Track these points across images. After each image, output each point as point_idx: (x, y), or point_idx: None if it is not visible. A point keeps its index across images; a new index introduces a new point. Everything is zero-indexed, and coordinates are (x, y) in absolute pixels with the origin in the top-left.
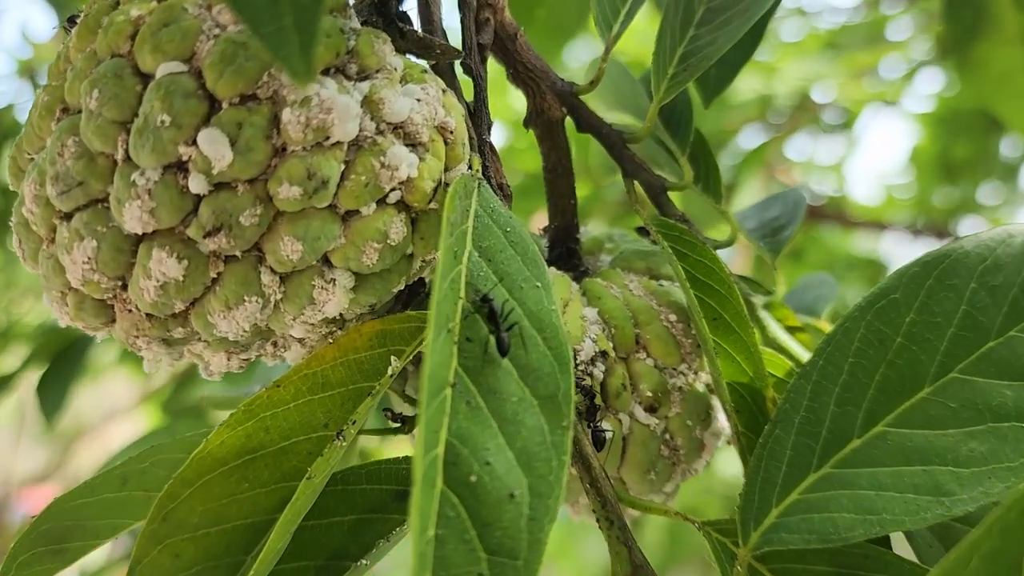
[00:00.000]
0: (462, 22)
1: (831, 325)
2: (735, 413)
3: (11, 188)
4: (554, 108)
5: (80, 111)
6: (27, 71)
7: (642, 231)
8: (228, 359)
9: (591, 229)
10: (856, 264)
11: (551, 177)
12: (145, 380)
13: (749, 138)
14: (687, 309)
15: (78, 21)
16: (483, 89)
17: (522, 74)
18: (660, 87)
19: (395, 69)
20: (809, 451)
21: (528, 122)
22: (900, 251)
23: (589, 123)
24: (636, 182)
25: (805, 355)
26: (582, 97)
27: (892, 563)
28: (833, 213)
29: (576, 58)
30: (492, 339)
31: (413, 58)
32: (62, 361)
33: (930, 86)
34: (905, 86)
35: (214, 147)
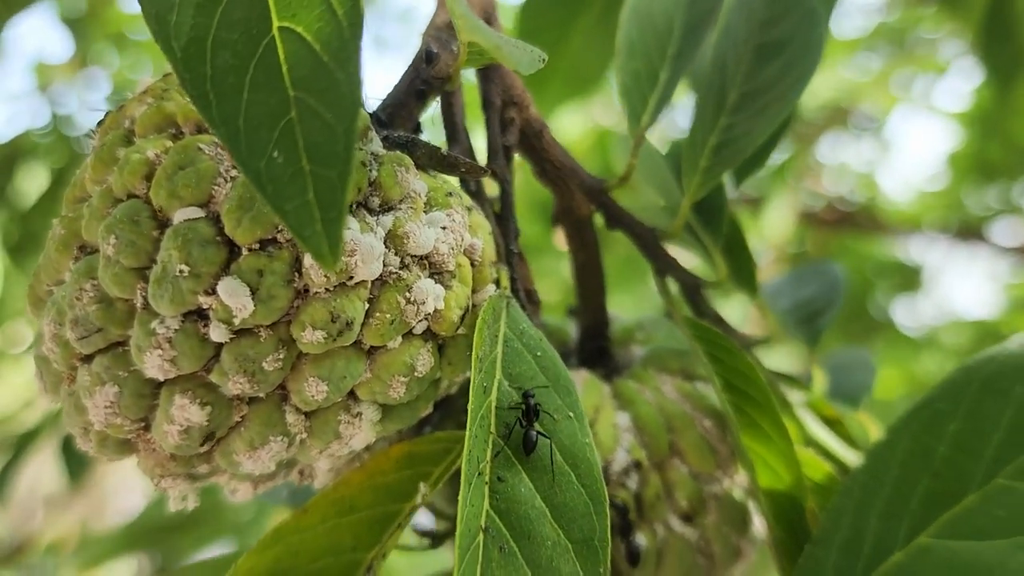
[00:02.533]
0: (487, 123)
1: (868, 417)
2: (774, 523)
3: (31, 316)
4: (583, 206)
5: (97, 251)
6: (43, 89)
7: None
8: (254, 488)
9: (619, 314)
10: (887, 269)
11: (581, 274)
12: None
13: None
14: (724, 415)
15: (95, 144)
16: (510, 195)
17: (550, 172)
18: (692, 182)
19: (419, 195)
20: (851, 566)
21: (557, 219)
22: (933, 255)
23: (620, 220)
24: (668, 280)
25: (845, 452)
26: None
27: None
28: (864, 219)
29: None
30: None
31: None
32: None
33: (963, 85)
34: (936, 86)
35: (234, 298)
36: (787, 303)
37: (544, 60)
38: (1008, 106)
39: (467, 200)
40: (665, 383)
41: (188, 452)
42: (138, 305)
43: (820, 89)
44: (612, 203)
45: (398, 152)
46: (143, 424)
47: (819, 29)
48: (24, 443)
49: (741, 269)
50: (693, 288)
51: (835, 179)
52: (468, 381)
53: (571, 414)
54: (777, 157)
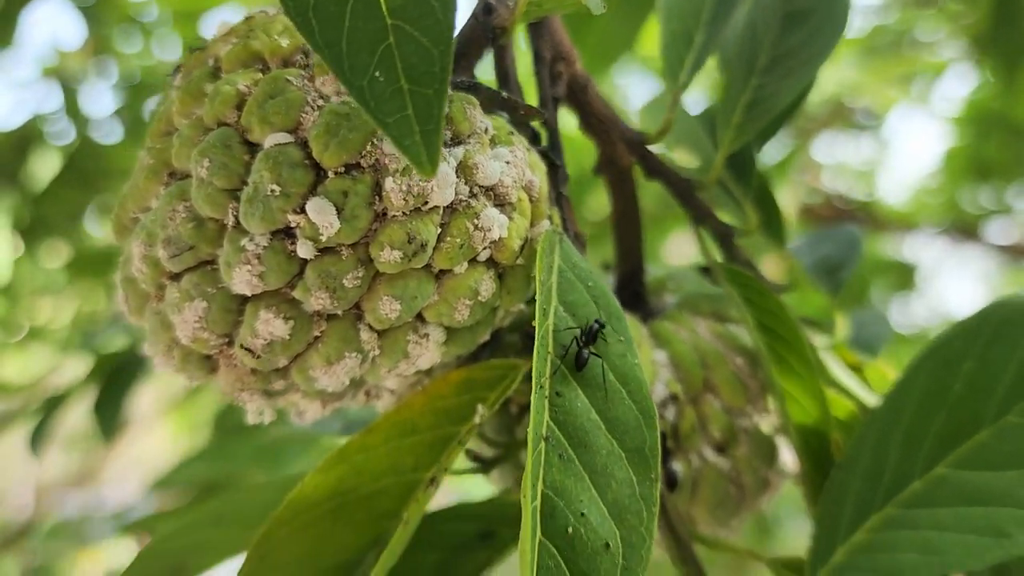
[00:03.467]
0: (537, 76)
1: (887, 364)
2: (802, 453)
3: (115, 242)
4: (624, 156)
5: (188, 176)
6: (55, 75)
7: (704, 270)
8: (323, 407)
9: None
10: (884, 267)
11: (619, 222)
12: (166, 387)
13: (777, 142)
14: (754, 353)
15: (178, 83)
16: (559, 142)
17: (594, 124)
18: (725, 137)
19: (485, 132)
20: (873, 493)
21: (599, 169)
22: (928, 254)
23: (658, 170)
24: (703, 228)
25: (865, 394)
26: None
27: None
28: (862, 217)
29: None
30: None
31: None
32: (116, 381)
33: (961, 87)
34: (934, 86)
35: (322, 216)
36: (808, 260)
37: (605, 5)
38: (1013, 91)
39: (525, 141)
40: (699, 324)
41: (268, 367)
42: (229, 224)
43: (823, 84)
44: (651, 154)
45: (465, 92)
46: (227, 340)
47: (844, 1)
48: (55, 404)
49: (770, 220)
50: (726, 236)
51: (834, 176)
52: (520, 313)
53: (621, 338)
54: (779, 152)
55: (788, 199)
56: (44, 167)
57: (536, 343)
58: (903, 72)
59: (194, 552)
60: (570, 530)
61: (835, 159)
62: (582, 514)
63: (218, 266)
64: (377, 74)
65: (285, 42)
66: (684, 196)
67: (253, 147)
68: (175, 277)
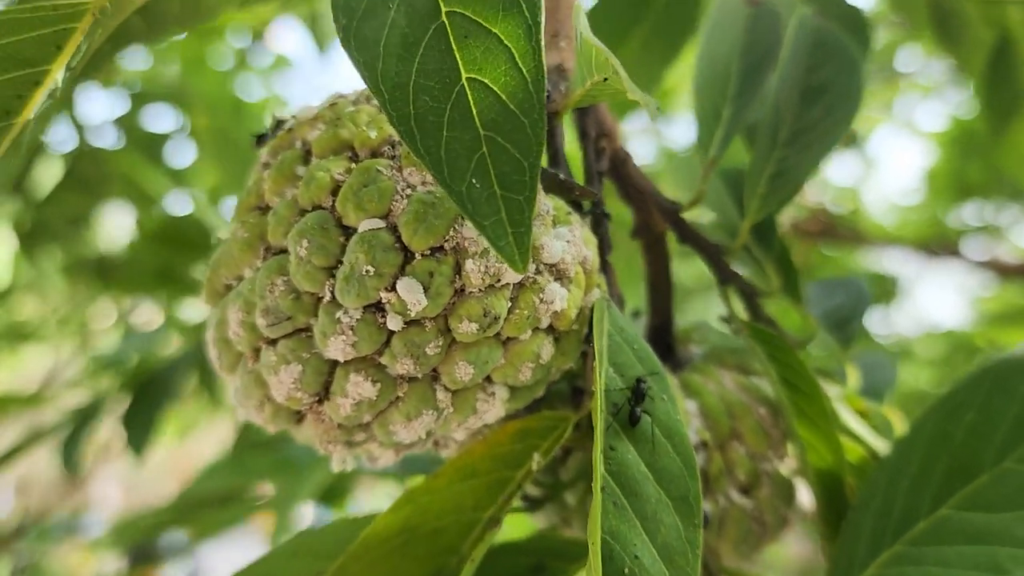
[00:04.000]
0: (584, 152)
1: (893, 410)
2: (820, 495)
3: (206, 304)
4: (659, 223)
5: (282, 251)
6: None
7: (725, 320)
8: (396, 454)
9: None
10: (866, 279)
11: (653, 281)
12: None
13: None
14: (775, 403)
15: (269, 161)
16: (604, 214)
17: (632, 194)
18: (751, 206)
19: (548, 213)
20: (883, 532)
21: (635, 234)
22: (908, 268)
23: (689, 236)
24: (729, 289)
25: (874, 440)
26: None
27: None
28: (846, 231)
29: None
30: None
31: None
32: (147, 393)
33: (945, 107)
34: (917, 107)
35: (411, 294)
36: (818, 311)
37: (659, 109)
38: (1000, 142)
39: (578, 219)
40: (724, 376)
41: (355, 422)
42: (325, 298)
43: None
44: (684, 222)
45: None
46: (317, 398)
47: (857, 76)
48: (85, 417)
49: (789, 281)
50: (750, 296)
51: (819, 191)
52: (568, 370)
53: (664, 396)
54: None
55: (781, 218)
56: (46, 173)
57: (593, 404)
58: (888, 98)
59: None
60: (626, 571)
61: (820, 176)
62: (636, 556)
63: (312, 334)
64: (474, 181)
65: (373, 134)
66: (713, 259)
67: (347, 230)
68: (271, 342)
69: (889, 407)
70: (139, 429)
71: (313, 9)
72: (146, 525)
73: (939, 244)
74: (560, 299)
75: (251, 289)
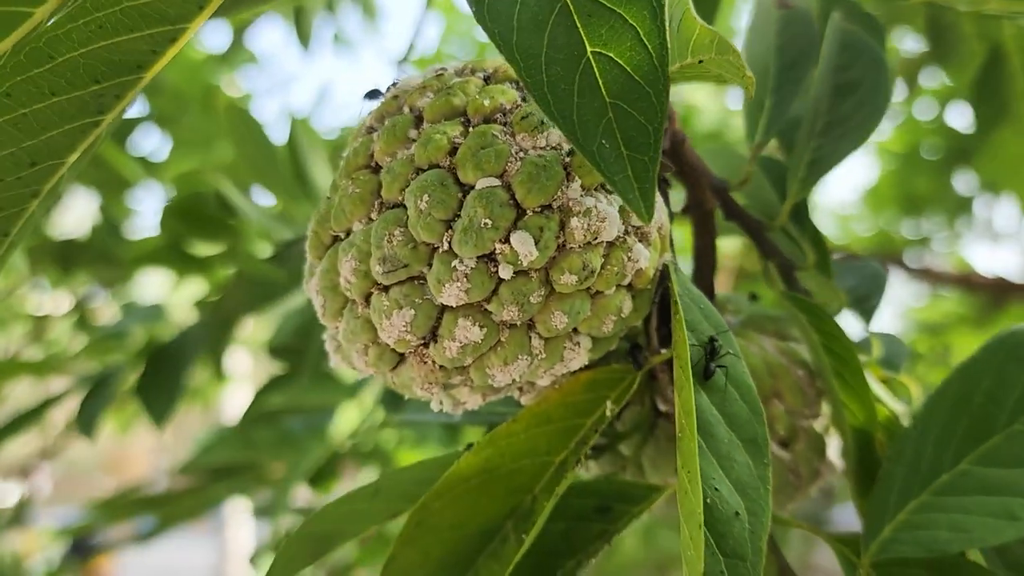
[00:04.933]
0: None
1: (908, 378)
2: (853, 450)
3: (310, 258)
4: (709, 200)
5: (397, 205)
6: None
7: (753, 296)
8: (483, 399)
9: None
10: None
11: (699, 255)
12: None
13: None
14: (813, 366)
15: (376, 129)
16: (667, 187)
17: (687, 172)
18: (793, 188)
19: None
20: (912, 483)
21: (686, 210)
22: None
23: (736, 214)
24: (771, 262)
25: (894, 404)
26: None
27: (977, 571)
28: None
29: None
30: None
31: None
32: (161, 364)
33: (892, 121)
34: None
35: (524, 245)
36: (840, 287)
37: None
38: (984, 149)
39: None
40: (764, 341)
41: (456, 364)
42: (441, 248)
43: None
44: (731, 200)
45: None
46: (423, 341)
47: (885, 74)
48: (101, 383)
49: (822, 258)
50: (788, 269)
51: None
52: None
53: (729, 351)
54: None
55: None
56: None
57: (677, 354)
58: None
59: (350, 520)
60: (708, 501)
61: None
62: (716, 489)
63: (425, 281)
64: (604, 142)
65: (487, 102)
66: (756, 235)
67: (463, 187)
68: (384, 288)
69: (906, 376)
70: (160, 398)
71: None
72: (127, 503)
73: (883, 253)
74: (644, 259)
75: (365, 239)
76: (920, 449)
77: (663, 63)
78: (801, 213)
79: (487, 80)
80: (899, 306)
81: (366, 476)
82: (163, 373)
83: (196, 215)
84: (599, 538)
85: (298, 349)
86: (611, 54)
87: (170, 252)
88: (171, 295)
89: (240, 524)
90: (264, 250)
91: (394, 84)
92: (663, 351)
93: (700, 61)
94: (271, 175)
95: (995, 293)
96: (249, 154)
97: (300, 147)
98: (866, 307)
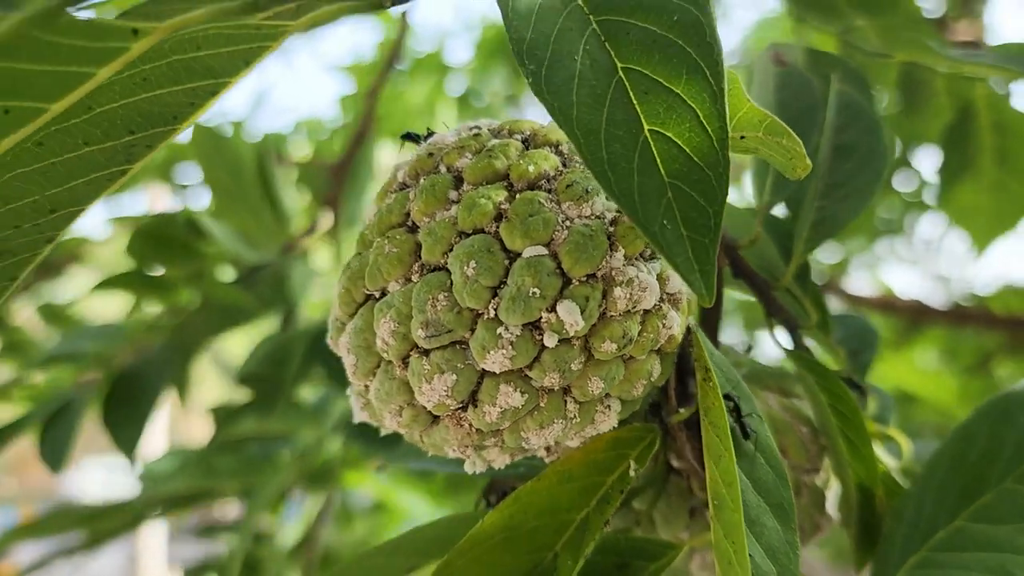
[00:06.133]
0: None
1: (899, 432)
2: (856, 506)
3: (338, 314)
4: (721, 259)
5: (438, 268)
6: None
7: (749, 348)
8: (511, 458)
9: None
10: (742, 306)
11: (708, 311)
12: None
13: None
14: (817, 424)
15: (410, 186)
16: None
17: None
18: (797, 248)
19: None
20: (912, 538)
21: None
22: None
23: (744, 271)
24: (776, 320)
25: (887, 458)
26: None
27: None
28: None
29: None
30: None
31: None
32: (125, 390)
33: None
34: None
35: (570, 315)
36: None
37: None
38: (950, 196)
39: None
40: (768, 397)
41: (496, 428)
42: (486, 315)
43: None
44: (740, 258)
45: None
46: (462, 405)
47: (880, 137)
48: (61, 411)
49: (822, 317)
50: (793, 328)
51: None
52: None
53: (752, 414)
54: None
55: None
56: None
57: (710, 417)
58: None
59: (370, 574)
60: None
61: None
62: (750, 555)
63: (467, 346)
64: (665, 223)
65: (531, 168)
66: (763, 294)
67: (509, 254)
68: (424, 352)
69: (894, 430)
70: (128, 427)
71: None
72: (80, 517)
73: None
74: (676, 325)
75: (405, 301)
76: (920, 505)
77: (723, 146)
78: (803, 272)
79: (526, 143)
80: None
81: (314, 500)
82: (130, 400)
83: (165, 238)
84: None
85: (269, 378)
86: (669, 133)
87: (133, 276)
88: (120, 315)
89: (152, 529)
90: (227, 274)
91: (427, 136)
92: (681, 410)
93: (742, 137)
94: (239, 196)
95: (913, 316)
96: (216, 175)
97: (269, 167)
98: (860, 360)
